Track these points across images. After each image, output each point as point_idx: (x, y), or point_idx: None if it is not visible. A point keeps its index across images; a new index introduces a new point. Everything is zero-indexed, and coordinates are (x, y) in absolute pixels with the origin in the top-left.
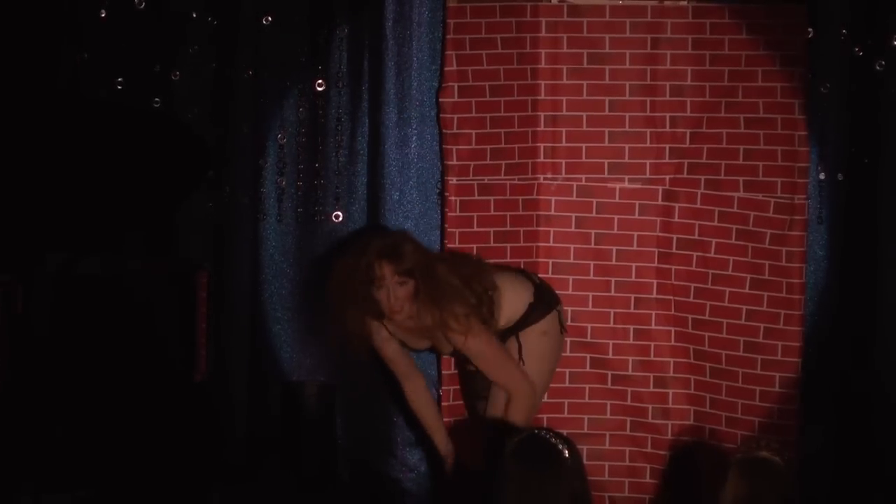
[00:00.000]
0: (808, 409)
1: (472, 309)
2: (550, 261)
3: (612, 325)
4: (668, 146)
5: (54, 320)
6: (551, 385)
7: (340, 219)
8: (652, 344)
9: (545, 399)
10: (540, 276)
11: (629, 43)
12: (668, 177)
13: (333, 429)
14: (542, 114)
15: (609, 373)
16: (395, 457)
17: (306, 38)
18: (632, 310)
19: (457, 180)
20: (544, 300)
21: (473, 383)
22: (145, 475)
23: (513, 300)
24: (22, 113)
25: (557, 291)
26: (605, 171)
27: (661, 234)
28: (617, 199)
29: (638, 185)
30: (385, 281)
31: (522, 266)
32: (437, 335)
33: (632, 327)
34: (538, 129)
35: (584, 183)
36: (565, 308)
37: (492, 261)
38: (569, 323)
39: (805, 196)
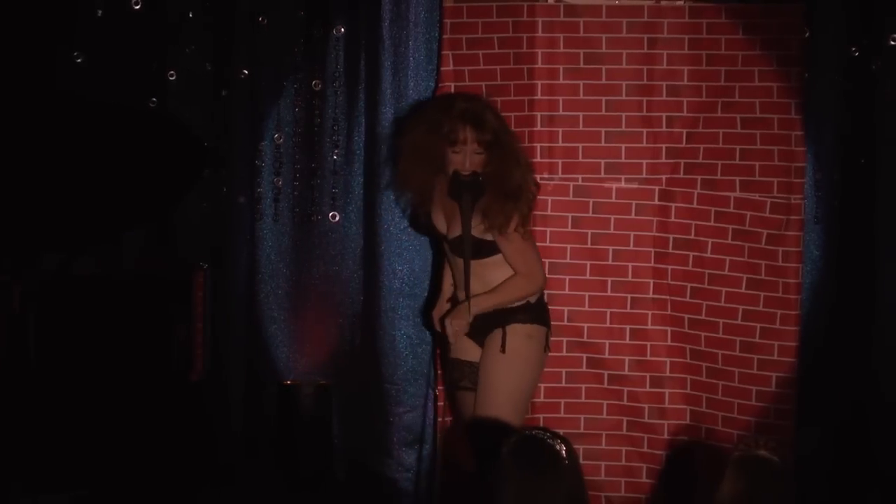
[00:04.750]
0: (804, 409)
1: (521, 212)
2: (547, 260)
3: (608, 324)
4: (664, 146)
5: (51, 320)
6: (548, 385)
7: (337, 219)
8: (648, 344)
9: (528, 415)
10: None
11: (626, 43)
12: (664, 177)
13: (329, 429)
14: (538, 114)
15: (605, 372)
16: (391, 457)
17: (302, 37)
18: (628, 310)
19: None
20: (540, 311)
21: (456, 373)
22: (142, 475)
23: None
24: (19, 113)
25: (554, 291)
26: (602, 171)
27: (657, 234)
28: (613, 199)
29: (634, 185)
30: (465, 146)
31: None
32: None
33: (628, 327)
34: (535, 128)
35: (580, 183)
36: (561, 308)
37: None
38: (565, 323)
39: (801, 196)
